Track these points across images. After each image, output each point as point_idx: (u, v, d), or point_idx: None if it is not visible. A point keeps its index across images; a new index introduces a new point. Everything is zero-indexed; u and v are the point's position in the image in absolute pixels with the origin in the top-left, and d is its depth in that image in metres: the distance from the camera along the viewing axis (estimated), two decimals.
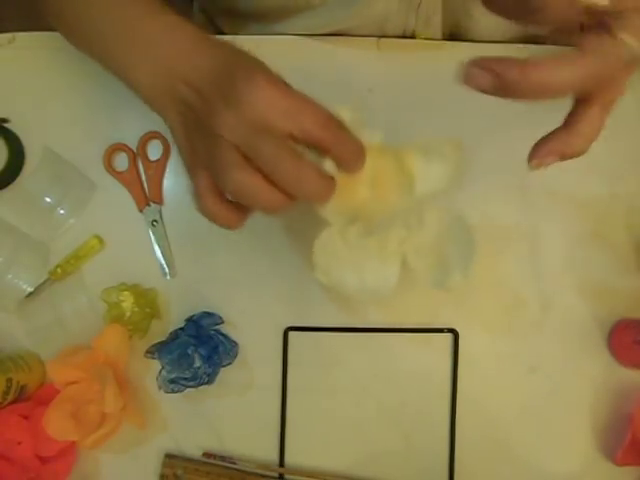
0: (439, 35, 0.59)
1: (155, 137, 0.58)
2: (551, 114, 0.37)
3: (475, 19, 0.57)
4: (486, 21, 0.57)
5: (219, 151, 0.35)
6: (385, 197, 0.43)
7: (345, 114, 0.39)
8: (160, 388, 0.52)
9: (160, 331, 0.55)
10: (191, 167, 0.39)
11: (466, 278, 0.43)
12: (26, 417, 0.52)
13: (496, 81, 0.32)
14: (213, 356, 0.53)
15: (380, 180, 0.42)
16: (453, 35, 0.60)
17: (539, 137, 0.38)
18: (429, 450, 0.55)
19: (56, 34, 0.59)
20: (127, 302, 0.54)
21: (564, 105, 0.37)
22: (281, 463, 0.55)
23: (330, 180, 0.36)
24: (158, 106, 0.41)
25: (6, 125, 0.57)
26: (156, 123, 0.57)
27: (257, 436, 0.55)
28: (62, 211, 0.56)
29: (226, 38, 0.41)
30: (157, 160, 0.58)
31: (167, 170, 0.58)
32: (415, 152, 0.43)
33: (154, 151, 0.58)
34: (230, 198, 0.38)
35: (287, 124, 0.34)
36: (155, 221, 0.57)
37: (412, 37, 0.59)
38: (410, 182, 0.43)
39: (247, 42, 0.40)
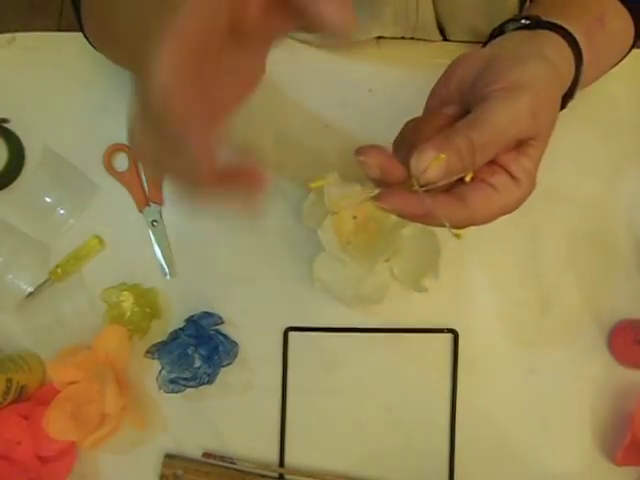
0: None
1: None
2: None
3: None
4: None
5: None
6: (366, 227, 0.53)
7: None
8: (160, 388, 0.52)
9: (160, 331, 0.55)
10: None
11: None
12: (26, 417, 0.52)
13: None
14: (213, 356, 0.53)
15: (360, 213, 0.53)
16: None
17: None
18: (429, 450, 0.55)
19: (56, 34, 0.59)
20: (127, 302, 0.54)
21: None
22: (281, 463, 0.55)
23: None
24: None
25: (6, 125, 0.57)
26: None
27: (257, 436, 0.55)
28: (62, 211, 0.56)
29: None
30: None
31: None
32: None
33: None
34: None
35: None
36: (155, 221, 0.57)
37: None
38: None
39: None
